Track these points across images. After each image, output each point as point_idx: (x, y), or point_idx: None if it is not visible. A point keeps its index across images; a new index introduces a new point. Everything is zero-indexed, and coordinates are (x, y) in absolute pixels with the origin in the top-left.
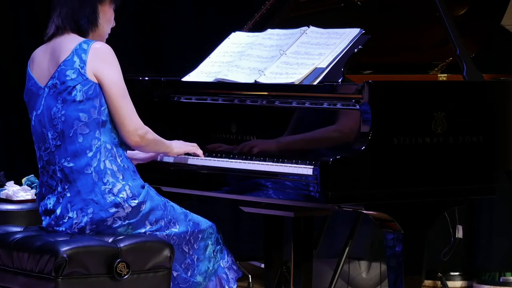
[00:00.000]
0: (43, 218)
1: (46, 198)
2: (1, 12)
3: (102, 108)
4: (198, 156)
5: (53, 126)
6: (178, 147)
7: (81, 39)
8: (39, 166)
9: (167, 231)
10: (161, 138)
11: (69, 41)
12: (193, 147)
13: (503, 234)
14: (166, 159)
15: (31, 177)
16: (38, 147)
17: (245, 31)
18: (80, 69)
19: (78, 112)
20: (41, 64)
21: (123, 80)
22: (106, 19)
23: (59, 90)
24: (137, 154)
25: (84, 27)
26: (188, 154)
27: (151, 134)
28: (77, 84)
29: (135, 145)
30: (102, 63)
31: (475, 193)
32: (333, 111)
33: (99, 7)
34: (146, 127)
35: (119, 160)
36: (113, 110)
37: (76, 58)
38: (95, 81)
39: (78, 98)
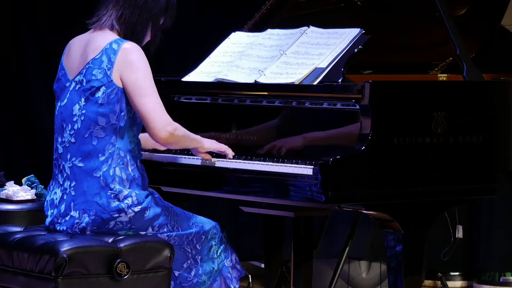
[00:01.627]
0: (47, 212)
1: (54, 192)
2: (1, 12)
3: (122, 114)
4: (228, 156)
5: (72, 122)
6: (209, 143)
7: (115, 37)
8: (54, 157)
9: (169, 233)
10: (191, 134)
11: (103, 38)
12: (224, 146)
13: (503, 234)
14: (166, 159)
15: (31, 177)
16: (56, 138)
17: (245, 31)
18: (106, 70)
19: (97, 115)
20: (74, 56)
21: (151, 79)
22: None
23: (84, 88)
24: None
25: (141, 40)
26: (218, 155)
27: (181, 131)
28: (101, 86)
29: (165, 143)
30: (127, 65)
31: (475, 193)
32: (333, 111)
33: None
34: (176, 124)
35: (130, 169)
36: (137, 110)
37: (104, 58)
38: (119, 85)
39: (100, 101)
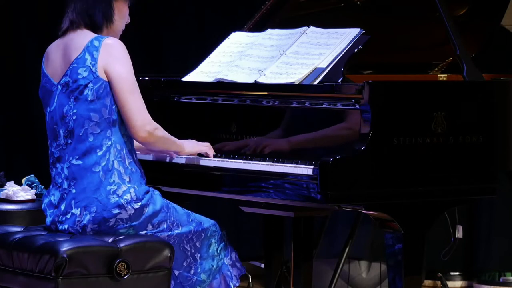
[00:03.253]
0: (46, 213)
1: (51, 194)
2: (1, 12)
3: (113, 107)
4: (209, 156)
5: (65, 123)
6: (190, 147)
7: (93, 35)
8: (50, 161)
9: (169, 232)
10: (172, 137)
11: (82, 38)
12: (205, 147)
13: (503, 234)
14: (159, 158)
15: (31, 177)
16: (50, 143)
17: (245, 31)
18: (91, 67)
19: (89, 112)
20: (54, 61)
21: (133, 76)
22: (121, 15)
23: (72, 88)
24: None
25: (99, 23)
26: (199, 154)
27: (161, 131)
28: (88, 83)
29: (143, 141)
30: (112, 59)
31: (475, 193)
32: (333, 111)
33: (114, 3)
34: (156, 124)
35: (127, 163)
36: (120, 105)
37: (87, 56)
38: (105, 78)
39: (90, 97)
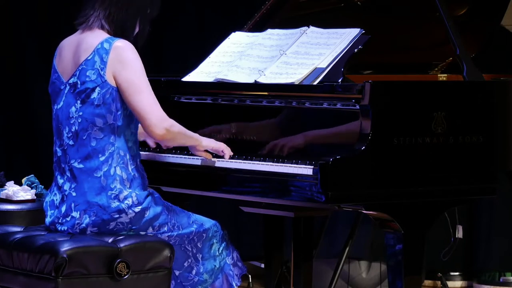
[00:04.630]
0: (46, 212)
1: (53, 193)
2: (1, 12)
3: (118, 113)
4: (225, 156)
5: (69, 124)
6: (208, 141)
7: (105, 36)
8: (54, 160)
9: (170, 233)
10: (188, 131)
11: (94, 38)
12: (222, 146)
13: (503, 234)
14: (166, 158)
15: (31, 177)
16: (54, 141)
17: (245, 31)
18: (100, 70)
19: (94, 116)
20: (65, 58)
21: (144, 76)
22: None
23: (79, 90)
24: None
25: (129, 36)
26: (217, 156)
27: (177, 127)
28: (96, 87)
29: (161, 139)
30: (120, 63)
31: (475, 193)
32: (333, 111)
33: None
34: (171, 120)
35: (130, 169)
36: (132, 108)
37: (97, 58)
38: (113, 84)
39: (96, 102)
